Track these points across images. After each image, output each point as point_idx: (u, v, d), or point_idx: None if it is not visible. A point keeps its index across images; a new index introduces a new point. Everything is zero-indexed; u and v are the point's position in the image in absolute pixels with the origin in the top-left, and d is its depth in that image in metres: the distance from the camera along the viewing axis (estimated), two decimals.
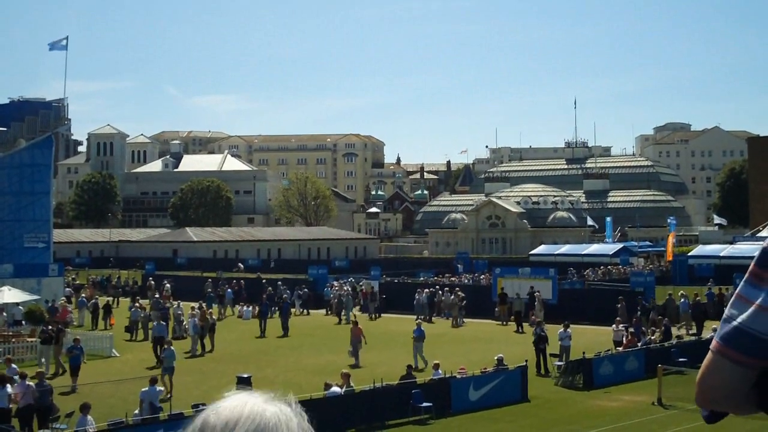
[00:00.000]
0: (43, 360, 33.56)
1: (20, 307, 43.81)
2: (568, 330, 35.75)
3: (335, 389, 25.33)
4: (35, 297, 45.24)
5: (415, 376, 27.59)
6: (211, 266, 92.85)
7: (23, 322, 42.65)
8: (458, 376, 28.51)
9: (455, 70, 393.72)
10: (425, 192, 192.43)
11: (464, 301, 51.50)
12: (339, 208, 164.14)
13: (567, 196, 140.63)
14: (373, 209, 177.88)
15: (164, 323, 39.65)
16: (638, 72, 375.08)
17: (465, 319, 50.30)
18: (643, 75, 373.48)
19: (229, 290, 60.22)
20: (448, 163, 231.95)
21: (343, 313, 53.14)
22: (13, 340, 37.62)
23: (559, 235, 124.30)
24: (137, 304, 49.66)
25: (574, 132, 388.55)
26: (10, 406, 24.12)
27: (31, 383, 24.91)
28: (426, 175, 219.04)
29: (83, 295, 58.48)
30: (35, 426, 24.04)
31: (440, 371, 28.40)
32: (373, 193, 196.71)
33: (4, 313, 43.13)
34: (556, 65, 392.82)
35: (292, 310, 52.75)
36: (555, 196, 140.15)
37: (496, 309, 50.77)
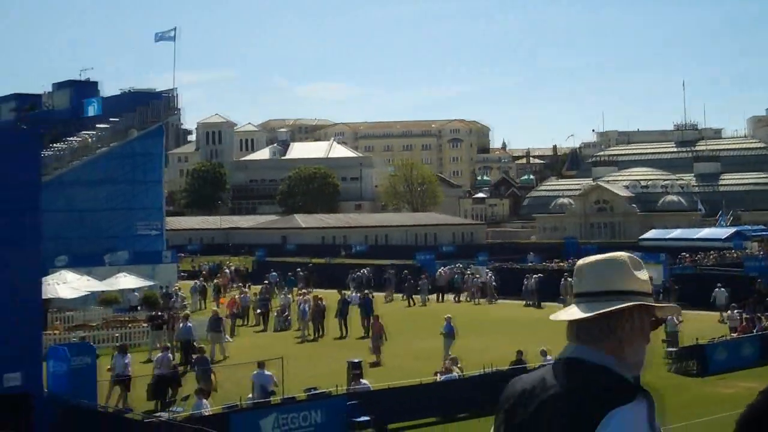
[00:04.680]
0: (157, 344, 33.87)
1: (136, 294, 44.97)
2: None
3: (449, 375, 25.47)
4: (150, 283, 46.31)
5: (525, 361, 27.40)
6: (320, 252, 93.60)
7: (139, 308, 43.72)
8: None
9: (561, 54, 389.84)
10: (532, 177, 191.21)
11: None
12: (445, 193, 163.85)
13: (677, 180, 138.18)
14: (480, 195, 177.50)
15: (190, 325, 34.26)
16: (750, 52, 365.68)
17: None
18: (755, 55, 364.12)
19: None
20: (555, 147, 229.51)
21: (418, 297, 53.62)
22: (129, 325, 38.55)
23: (670, 220, 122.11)
24: (246, 290, 50.46)
25: (684, 114, 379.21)
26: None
27: (170, 354, 27.95)
28: (532, 160, 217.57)
29: (214, 281, 59.68)
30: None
31: (550, 357, 28.13)
32: (479, 178, 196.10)
33: (120, 300, 44.39)
34: (663, 48, 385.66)
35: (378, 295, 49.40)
36: (665, 180, 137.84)
37: None
